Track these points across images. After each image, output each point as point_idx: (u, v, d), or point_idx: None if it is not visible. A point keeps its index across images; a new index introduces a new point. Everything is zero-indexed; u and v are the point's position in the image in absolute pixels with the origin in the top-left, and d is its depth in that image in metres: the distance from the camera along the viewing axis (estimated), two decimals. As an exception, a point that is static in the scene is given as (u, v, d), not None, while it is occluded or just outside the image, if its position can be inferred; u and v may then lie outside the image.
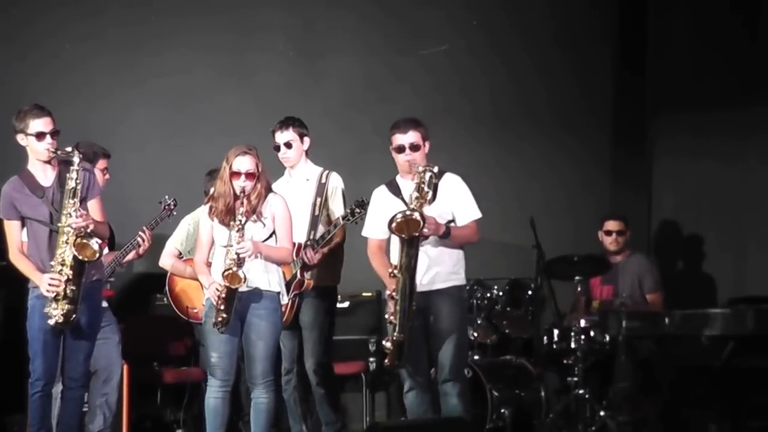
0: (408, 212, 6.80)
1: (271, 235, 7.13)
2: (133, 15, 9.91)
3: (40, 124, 6.84)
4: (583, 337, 8.43)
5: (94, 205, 6.96)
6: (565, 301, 8.82)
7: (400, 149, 7.22)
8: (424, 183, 6.89)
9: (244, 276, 6.86)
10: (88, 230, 6.75)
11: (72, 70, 9.77)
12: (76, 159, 6.78)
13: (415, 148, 7.20)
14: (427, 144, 7.29)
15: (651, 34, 10.35)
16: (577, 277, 8.67)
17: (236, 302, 6.96)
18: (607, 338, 8.45)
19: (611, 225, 9.24)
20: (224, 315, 6.92)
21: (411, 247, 6.83)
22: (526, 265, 8.96)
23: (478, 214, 7.26)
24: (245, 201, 6.99)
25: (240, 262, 6.90)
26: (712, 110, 9.83)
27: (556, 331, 8.63)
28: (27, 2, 9.78)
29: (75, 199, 6.76)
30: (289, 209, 7.20)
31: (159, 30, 9.95)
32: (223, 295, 6.89)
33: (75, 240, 6.71)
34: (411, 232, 6.79)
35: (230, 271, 6.85)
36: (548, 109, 10.30)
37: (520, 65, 10.34)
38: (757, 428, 7.93)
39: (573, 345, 8.45)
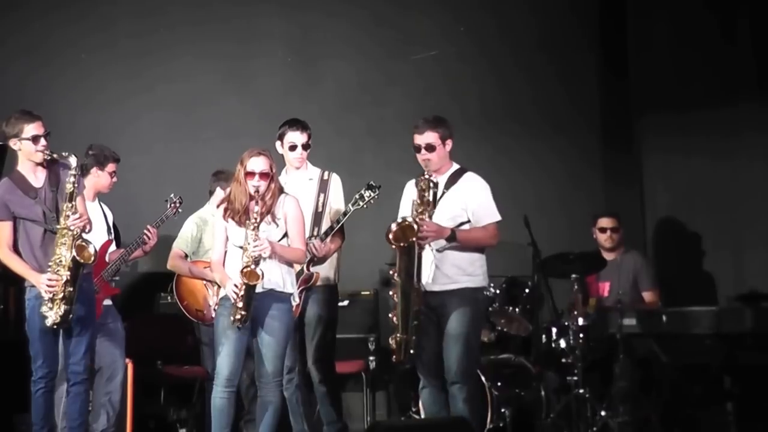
0: (400, 220, 6.60)
1: (284, 236, 6.86)
2: (143, 27, 9.93)
3: (33, 128, 6.75)
4: (581, 335, 7.95)
5: (79, 202, 6.78)
6: (562, 299, 8.38)
7: (417, 149, 6.93)
8: (425, 191, 6.66)
9: (262, 273, 6.62)
10: (86, 231, 6.64)
11: (87, 77, 9.79)
12: (73, 163, 6.63)
13: (430, 148, 6.89)
14: (447, 143, 6.97)
15: (631, 38, 10.01)
16: (573, 275, 8.10)
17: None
18: (606, 337, 7.92)
19: (605, 222, 8.82)
20: (243, 312, 6.66)
21: (407, 252, 6.61)
22: (522, 263, 8.57)
23: (496, 217, 6.93)
24: (260, 201, 6.71)
25: (257, 260, 6.64)
26: (695, 110, 9.47)
27: (554, 330, 8.19)
28: (48, 17, 9.81)
29: (73, 202, 6.62)
30: (302, 210, 6.94)
31: (166, 40, 9.91)
32: (242, 293, 6.62)
33: (74, 242, 6.54)
34: (408, 239, 6.56)
35: (249, 269, 6.61)
36: (536, 111, 10.00)
37: (507, 70, 10.08)
38: (757, 428, 7.51)
39: (571, 343, 7.97)
